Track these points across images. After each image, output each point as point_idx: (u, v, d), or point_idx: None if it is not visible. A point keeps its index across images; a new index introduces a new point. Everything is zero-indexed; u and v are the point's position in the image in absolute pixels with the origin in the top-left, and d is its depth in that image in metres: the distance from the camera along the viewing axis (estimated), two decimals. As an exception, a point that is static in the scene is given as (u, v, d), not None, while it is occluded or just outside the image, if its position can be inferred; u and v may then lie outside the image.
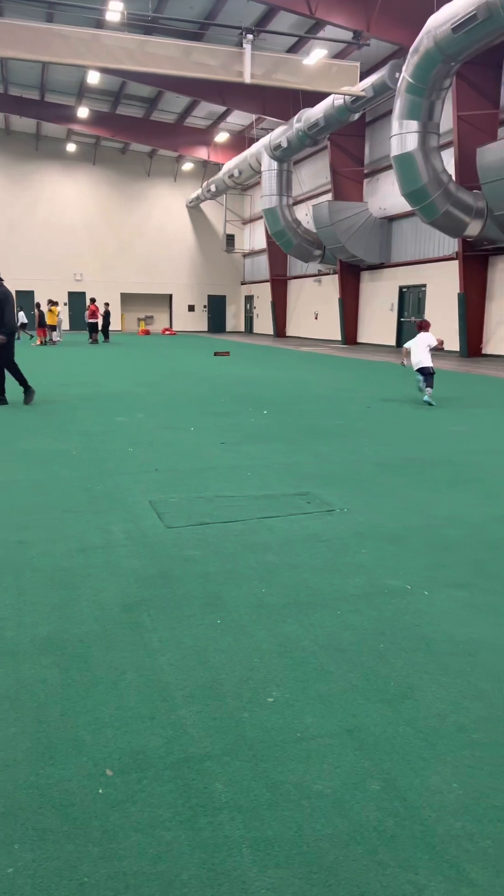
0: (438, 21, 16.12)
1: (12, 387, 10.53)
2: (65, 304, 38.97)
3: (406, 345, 10.71)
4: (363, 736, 2.32)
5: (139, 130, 34.33)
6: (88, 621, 3.17)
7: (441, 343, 10.60)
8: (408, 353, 10.49)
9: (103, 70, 22.35)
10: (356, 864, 1.76)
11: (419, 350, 10.23)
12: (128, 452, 6.90)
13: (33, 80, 29.53)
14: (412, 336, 10.84)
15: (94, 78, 26.45)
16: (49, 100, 31.93)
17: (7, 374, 10.13)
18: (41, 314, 26.65)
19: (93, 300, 29.35)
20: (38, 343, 26.43)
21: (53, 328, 26.89)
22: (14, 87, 30.81)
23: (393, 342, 26.29)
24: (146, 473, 6.03)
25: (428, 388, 10.36)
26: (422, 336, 10.37)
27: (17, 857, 1.80)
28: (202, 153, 35.80)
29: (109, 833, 1.88)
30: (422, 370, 10.28)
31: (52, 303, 27.08)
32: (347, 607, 3.34)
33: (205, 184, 38.21)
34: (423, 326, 10.55)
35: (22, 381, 10.06)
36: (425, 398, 10.40)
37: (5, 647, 2.92)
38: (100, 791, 2.05)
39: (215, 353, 21.58)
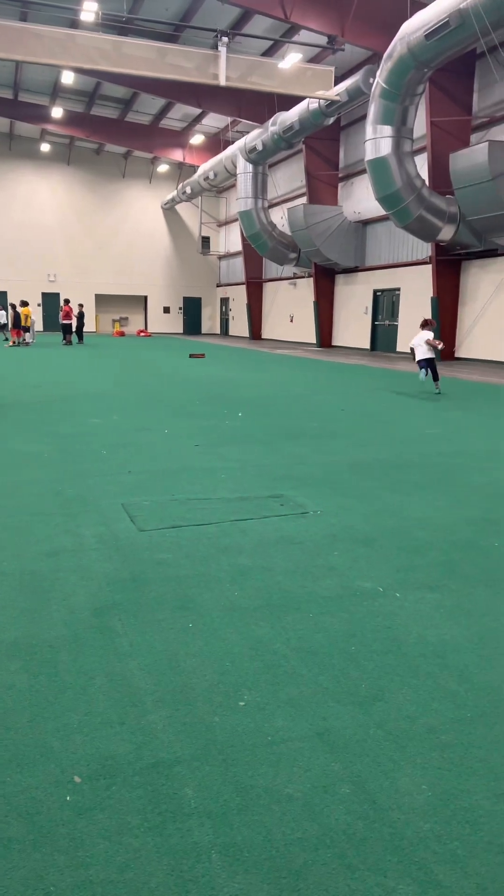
0: (412, 27, 16.27)
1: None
2: (38, 305, 38.56)
3: (411, 343, 12.17)
4: (333, 739, 2.32)
5: (114, 131, 34.14)
6: (58, 626, 3.13)
7: (436, 343, 11.86)
8: (412, 350, 12.03)
9: (78, 70, 22.20)
10: (325, 867, 1.76)
11: (421, 346, 11.76)
12: (101, 455, 6.84)
13: (6, 78, 29.21)
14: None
15: (68, 78, 26.25)
16: (22, 99, 31.61)
17: None
18: (16, 315, 26.34)
19: (67, 301, 29.10)
20: (11, 344, 26.13)
21: (27, 329, 26.61)
22: (-13, 85, 30.51)
23: (367, 345, 26.45)
24: (119, 476, 5.98)
25: (436, 382, 11.99)
26: (423, 333, 11.80)
27: (-19, 868, 1.76)
28: (177, 155, 35.72)
29: (76, 841, 1.85)
30: (425, 361, 11.81)
31: (23, 304, 26.79)
32: (319, 610, 3.34)
33: (180, 186, 38.13)
34: (429, 324, 12.03)
35: None
36: (435, 389, 12.16)
37: (-28, 653, 2.87)
38: (67, 798, 2.02)
39: (191, 355, 21.52)
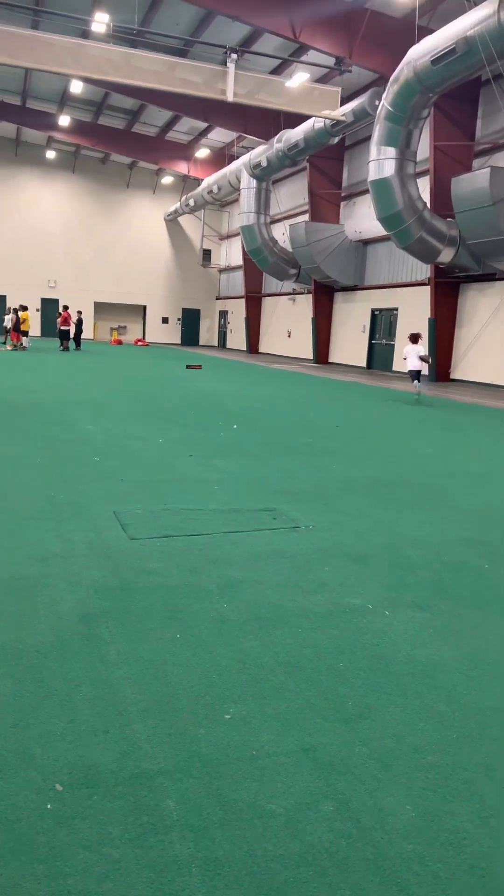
0: (419, 52, 16.47)
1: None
2: (37, 311, 38.57)
3: (405, 350, 14.28)
4: (319, 755, 2.31)
5: (120, 141, 34.35)
6: (45, 631, 3.11)
7: (427, 358, 14.14)
8: (405, 358, 14.21)
9: (87, 80, 22.33)
10: (306, 885, 1.74)
11: (413, 358, 13.87)
12: (94, 461, 6.82)
13: (15, 85, 29.38)
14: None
15: (77, 87, 26.42)
16: (31, 106, 31.78)
17: None
18: (17, 319, 26.30)
19: (65, 307, 29.10)
20: (9, 348, 26.10)
21: (25, 333, 26.58)
22: (-5, 91, 30.70)
23: (363, 363, 26.55)
24: (112, 483, 5.96)
25: (416, 382, 14.17)
26: (415, 346, 13.90)
27: (-43, 874, 1.74)
28: (182, 167, 35.95)
29: (56, 850, 1.83)
30: (414, 372, 14.08)
31: (22, 308, 26.79)
32: (308, 625, 3.33)
33: (184, 198, 38.33)
34: (418, 339, 14.13)
35: None
36: (416, 395, 14.53)
37: (-43, 656, 2.84)
38: (48, 806, 2.00)
39: (188, 366, 21.54)
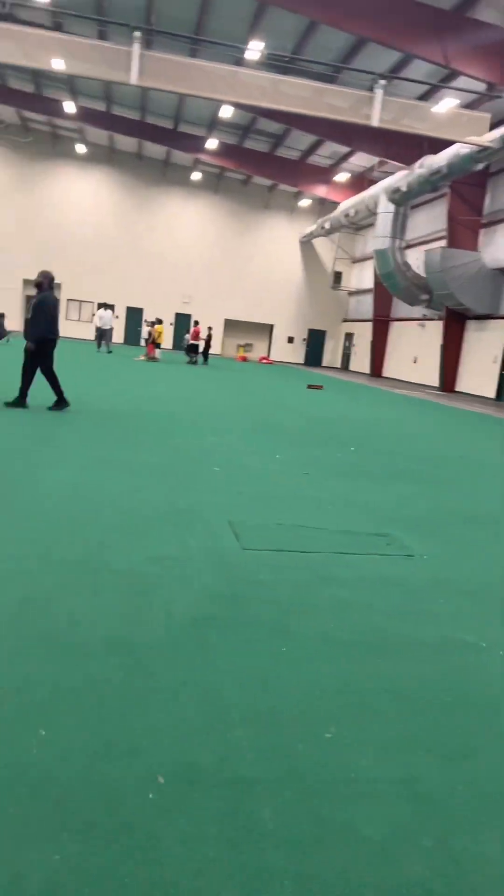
0: None
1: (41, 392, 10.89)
2: (171, 325, 40.21)
3: None
4: (419, 788, 2.25)
5: (263, 164, 35.28)
6: (158, 629, 3.22)
7: None
8: None
9: (237, 105, 23.19)
10: (398, 918, 1.70)
11: None
12: (214, 472, 7.00)
13: (169, 109, 30.96)
14: None
15: (226, 112, 27.46)
16: (182, 129, 33.39)
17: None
18: (152, 332, 27.41)
19: (196, 322, 30.14)
20: (143, 359, 27.28)
21: (158, 346, 27.70)
22: (151, 115, 32.43)
23: (493, 394, 25.59)
24: (229, 494, 6.09)
25: None
26: None
27: (64, 847, 1.84)
28: (321, 191, 36.37)
29: (154, 839, 1.89)
30: None
31: (158, 321, 27.96)
32: (416, 655, 3.25)
33: (320, 220, 38.72)
34: None
35: (58, 391, 9.97)
36: None
37: (77, 642, 3.01)
38: (150, 796, 2.07)
39: (309, 386, 21.64)
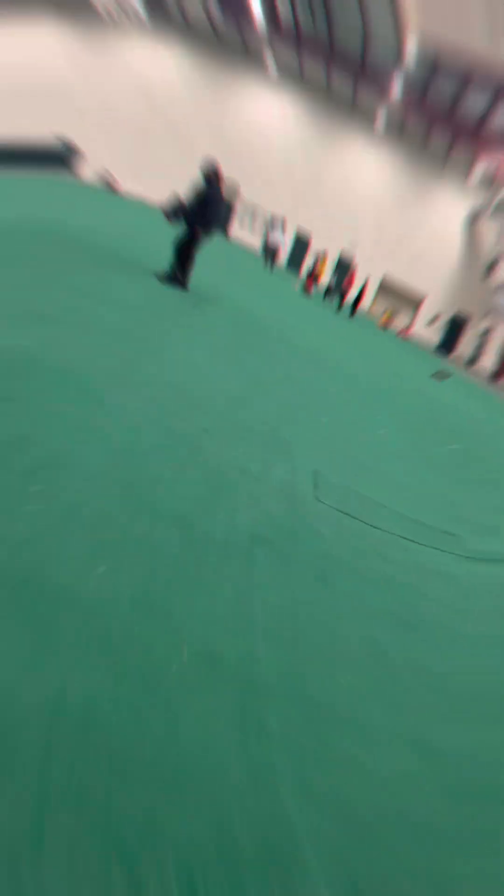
0: None
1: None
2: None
3: None
4: (424, 746, 2.52)
5: (447, 125, 33.25)
6: (218, 526, 3.50)
7: None
8: None
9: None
10: None
11: None
12: (322, 422, 7.11)
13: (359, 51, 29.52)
14: None
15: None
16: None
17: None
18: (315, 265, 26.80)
19: (353, 269, 29.27)
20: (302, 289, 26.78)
21: (316, 280, 27.03)
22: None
23: None
24: (332, 453, 6.21)
25: None
26: None
27: (97, 667, 2.19)
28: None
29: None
30: None
31: (324, 256, 27.37)
32: (451, 644, 3.42)
33: (490, 197, 36.64)
34: None
35: (182, 270, 9.54)
36: None
37: (151, 506, 3.32)
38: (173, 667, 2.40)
39: (438, 371, 20.97)
